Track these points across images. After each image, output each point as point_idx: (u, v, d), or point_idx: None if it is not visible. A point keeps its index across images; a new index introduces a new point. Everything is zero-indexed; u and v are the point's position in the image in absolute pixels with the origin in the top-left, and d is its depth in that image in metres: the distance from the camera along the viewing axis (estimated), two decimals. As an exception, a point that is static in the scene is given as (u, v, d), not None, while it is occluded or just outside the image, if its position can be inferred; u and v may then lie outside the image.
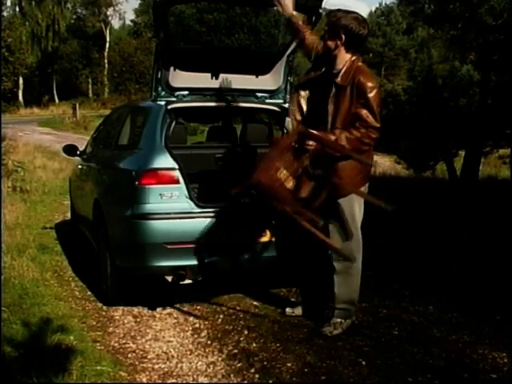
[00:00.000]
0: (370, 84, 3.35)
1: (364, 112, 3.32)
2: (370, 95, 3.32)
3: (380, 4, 56.28)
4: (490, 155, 15.13)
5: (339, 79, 3.42)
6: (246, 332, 3.66)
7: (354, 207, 3.45)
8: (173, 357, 3.34)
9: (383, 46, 47.60)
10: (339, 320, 3.55)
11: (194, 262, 3.77)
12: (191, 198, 3.74)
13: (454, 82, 14.20)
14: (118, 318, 4.01)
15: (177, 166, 3.73)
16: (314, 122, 3.48)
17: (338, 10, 3.49)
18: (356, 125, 3.33)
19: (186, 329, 3.78)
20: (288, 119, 3.75)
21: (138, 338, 3.64)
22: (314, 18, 3.97)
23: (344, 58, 3.45)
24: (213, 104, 4.39)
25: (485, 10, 9.96)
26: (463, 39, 11.19)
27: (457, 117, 12.50)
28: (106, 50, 45.81)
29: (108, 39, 47.84)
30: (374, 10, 56.39)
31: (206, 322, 3.88)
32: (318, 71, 3.65)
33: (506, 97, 10.99)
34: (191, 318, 3.97)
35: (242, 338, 3.56)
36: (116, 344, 3.53)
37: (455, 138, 12.76)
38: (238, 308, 4.15)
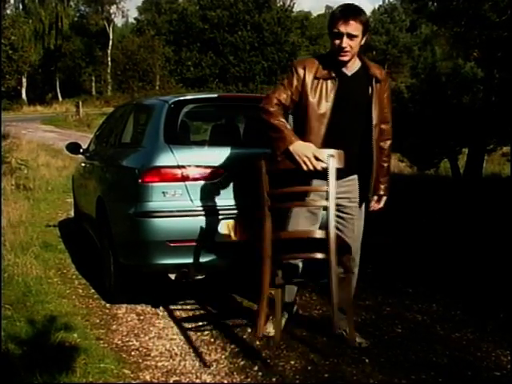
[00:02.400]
0: (388, 78, 3.28)
1: (390, 116, 3.28)
2: (389, 92, 3.26)
3: (383, 1, 56.11)
4: (493, 153, 15.08)
5: (378, 74, 3.14)
6: (249, 329, 3.66)
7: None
8: (176, 354, 3.34)
9: (386, 44, 47.59)
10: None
11: (197, 260, 3.77)
12: (194, 196, 3.74)
13: (458, 79, 14.15)
14: (121, 315, 4.02)
15: (180, 164, 3.72)
16: (338, 134, 3.07)
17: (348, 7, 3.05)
18: (387, 136, 3.28)
19: (190, 326, 3.79)
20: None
21: (142, 335, 3.64)
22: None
23: (356, 56, 3.15)
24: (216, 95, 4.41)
25: (488, 6, 9.93)
26: (467, 36, 11.16)
27: (460, 114, 12.46)
28: (109, 47, 45.90)
29: (111, 37, 47.93)
30: (377, 7, 56.39)
31: (210, 320, 3.88)
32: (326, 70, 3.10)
33: (509, 94, 10.96)
34: (194, 316, 3.98)
35: (245, 336, 3.57)
36: (119, 342, 3.54)
37: (459, 136, 12.72)
38: (241, 306, 4.16)
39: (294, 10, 45.17)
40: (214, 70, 40.51)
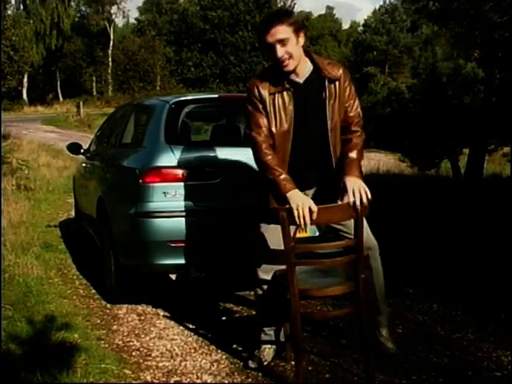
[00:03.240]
0: (349, 76, 3.01)
1: (358, 105, 3.02)
2: (353, 87, 3.02)
3: (384, 2, 56.07)
4: (494, 153, 15.10)
5: (332, 73, 2.93)
6: (249, 329, 3.65)
7: None
8: (177, 355, 3.34)
9: (387, 44, 47.55)
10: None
11: (198, 260, 3.77)
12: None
13: (459, 79, 14.17)
14: (122, 316, 4.02)
15: (181, 164, 3.73)
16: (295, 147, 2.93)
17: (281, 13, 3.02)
18: (353, 128, 2.99)
19: (190, 327, 3.79)
20: None
21: (142, 336, 3.64)
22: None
23: (303, 55, 2.94)
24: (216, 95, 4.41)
25: (490, 7, 9.94)
26: (468, 36, 11.15)
27: (461, 114, 12.47)
28: (110, 48, 45.92)
29: (112, 37, 47.95)
30: (377, 7, 56.35)
31: (210, 320, 3.88)
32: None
33: (510, 94, 10.96)
34: (195, 316, 3.98)
35: (245, 336, 3.56)
36: (120, 342, 3.54)
37: (459, 136, 12.73)
38: (241, 306, 4.15)
39: (294, 10, 45.16)
40: (214, 70, 40.55)
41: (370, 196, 2.79)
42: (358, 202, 2.74)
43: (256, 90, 2.92)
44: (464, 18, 10.73)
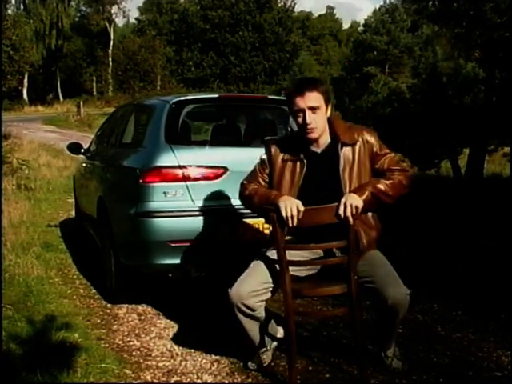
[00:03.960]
0: (376, 137, 2.95)
1: (391, 157, 2.96)
2: (383, 146, 2.95)
3: (384, 2, 56.12)
4: (494, 153, 15.12)
5: (347, 137, 2.87)
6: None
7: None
8: (177, 355, 3.34)
9: (387, 44, 47.55)
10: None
11: (198, 260, 3.77)
12: (195, 196, 3.75)
13: (459, 79, 14.19)
14: (122, 315, 4.02)
15: (181, 164, 3.73)
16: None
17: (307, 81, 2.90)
18: (388, 174, 2.91)
19: (191, 326, 3.79)
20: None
21: (143, 335, 3.64)
22: None
23: (326, 124, 2.90)
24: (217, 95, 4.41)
25: (490, 7, 9.96)
26: (468, 37, 11.18)
27: (461, 114, 12.48)
28: (110, 48, 45.92)
29: (112, 37, 47.96)
30: (378, 7, 56.35)
31: (210, 320, 3.88)
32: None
33: (510, 94, 10.96)
34: (195, 316, 3.98)
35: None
36: (120, 342, 3.54)
37: (460, 136, 12.74)
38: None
39: (295, 10, 45.17)
40: (215, 70, 40.50)
41: (358, 211, 2.73)
42: (343, 216, 2.69)
43: (270, 154, 2.97)
44: (464, 18, 10.76)
